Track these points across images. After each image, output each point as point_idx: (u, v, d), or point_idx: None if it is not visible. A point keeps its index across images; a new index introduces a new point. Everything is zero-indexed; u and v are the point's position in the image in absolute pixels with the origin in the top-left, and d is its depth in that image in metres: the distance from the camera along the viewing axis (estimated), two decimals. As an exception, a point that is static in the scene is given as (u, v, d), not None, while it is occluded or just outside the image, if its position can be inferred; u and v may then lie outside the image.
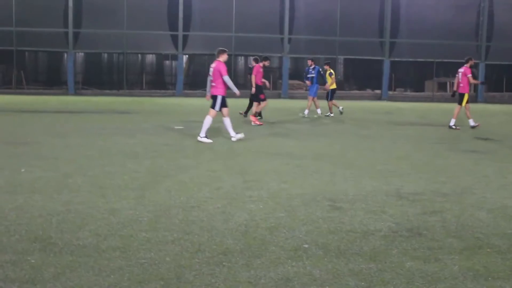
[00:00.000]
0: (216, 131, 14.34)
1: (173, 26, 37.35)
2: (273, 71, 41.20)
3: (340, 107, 21.72)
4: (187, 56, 39.26)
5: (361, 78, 45.14)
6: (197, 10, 37.54)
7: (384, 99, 38.03)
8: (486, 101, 38.79)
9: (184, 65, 39.56)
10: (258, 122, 16.56)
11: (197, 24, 37.39)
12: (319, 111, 21.22)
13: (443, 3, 39.31)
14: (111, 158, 9.78)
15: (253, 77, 18.05)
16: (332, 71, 21.89)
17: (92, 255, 4.61)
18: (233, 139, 12.48)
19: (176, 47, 37.44)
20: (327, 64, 22.03)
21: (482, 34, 40.15)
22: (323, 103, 22.48)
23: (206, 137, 12.25)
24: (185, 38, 37.50)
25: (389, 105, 23.69)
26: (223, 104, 12.40)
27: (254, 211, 6.11)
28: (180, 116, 19.17)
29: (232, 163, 9.46)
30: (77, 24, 36.60)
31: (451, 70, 34.73)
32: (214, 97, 12.48)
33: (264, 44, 37.18)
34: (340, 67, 46.96)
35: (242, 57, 43.59)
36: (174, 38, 37.52)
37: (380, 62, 39.44)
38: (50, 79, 43.24)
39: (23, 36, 36.18)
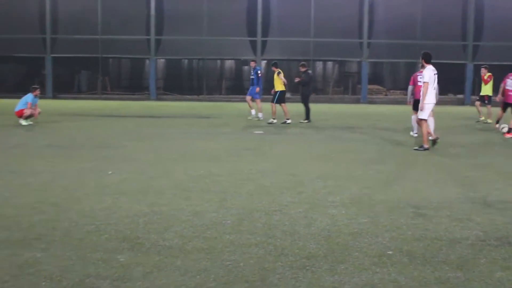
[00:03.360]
0: (296, 135, 14.36)
1: (251, 32, 37.69)
2: (352, 76, 40.80)
3: (288, 120, 18.28)
4: (265, 61, 39.45)
5: (442, 82, 43.85)
6: (276, 16, 37.68)
7: (467, 104, 36.91)
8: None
9: (262, 70, 39.86)
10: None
11: (275, 30, 37.55)
12: (260, 115, 19.99)
13: (530, 4, 37.79)
14: (193, 161, 9.97)
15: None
16: (279, 70, 18.99)
17: (178, 255, 4.72)
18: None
19: (255, 52, 37.74)
20: (274, 65, 19.45)
21: None
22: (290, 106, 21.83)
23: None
24: (263, 43, 37.75)
25: (473, 110, 22.98)
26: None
27: (336, 216, 6.08)
28: (259, 121, 19.29)
29: (313, 167, 9.43)
30: (159, 31, 37.53)
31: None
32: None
33: (342, 49, 36.89)
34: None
35: (321, 62, 43.43)
36: (253, 44, 37.85)
37: (463, 66, 38.31)
38: (133, 84, 44.52)
39: (107, 44, 37.45)
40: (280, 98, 18.84)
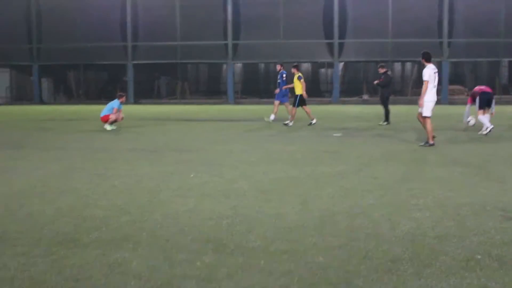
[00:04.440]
0: (375, 137, 14.16)
1: (328, 34, 37.50)
2: (432, 76, 39.83)
3: (313, 120, 18.73)
4: (342, 63, 39.17)
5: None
6: (352, 17, 37.37)
7: None
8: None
9: (340, 72, 39.56)
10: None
11: (352, 31, 37.22)
12: (272, 117, 20.09)
13: None
14: (272, 164, 10.02)
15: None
16: (300, 74, 19.03)
17: (261, 257, 4.75)
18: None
19: (332, 54, 37.53)
20: (295, 67, 19.35)
21: None
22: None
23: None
24: (340, 45, 37.49)
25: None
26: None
27: (420, 219, 5.95)
28: (337, 124, 19.17)
29: (394, 169, 9.27)
30: (236, 36, 38.00)
31: None
32: None
33: (421, 49, 36.11)
34: (505, 71, 44.32)
35: (399, 63, 42.69)
36: (330, 46, 37.66)
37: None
38: (211, 89, 45.30)
39: (185, 50, 38.23)
40: (301, 101, 18.83)
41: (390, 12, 36.62)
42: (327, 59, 38.48)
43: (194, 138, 15.12)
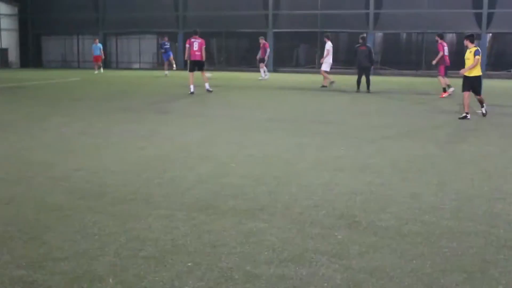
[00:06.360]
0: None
1: (477, 3, 35.53)
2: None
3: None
4: (490, 35, 36.94)
5: None
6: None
7: None
8: None
9: (487, 44, 37.43)
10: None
11: (505, 1, 34.92)
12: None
13: None
14: (411, 140, 9.80)
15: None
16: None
17: (394, 237, 4.72)
18: None
19: (480, 25, 35.57)
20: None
21: None
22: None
23: None
24: (490, 16, 35.40)
25: None
26: None
27: None
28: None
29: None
30: (378, 5, 37.09)
31: None
32: None
33: None
34: None
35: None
36: (478, 16, 35.69)
37: None
38: (349, 58, 44.69)
39: (326, 19, 37.95)
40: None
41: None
42: (474, 30, 36.49)
43: (331, 109, 15.11)
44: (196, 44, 19.11)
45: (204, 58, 19.31)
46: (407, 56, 40.70)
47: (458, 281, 3.86)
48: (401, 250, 4.43)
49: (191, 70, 19.13)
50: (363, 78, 20.50)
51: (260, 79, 27.25)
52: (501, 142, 9.75)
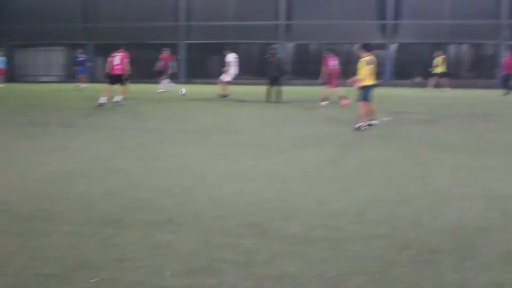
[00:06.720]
0: (426, 124, 13.91)
1: (381, 15, 36.92)
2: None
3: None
4: (396, 45, 38.36)
5: None
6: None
7: None
8: None
9: (391, 54, 38.86)
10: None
11: (407, 12, 36.42)
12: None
13: None
14: (319, 147, 10.01)
15: None
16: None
17: (301, 243, 4.80)
18: None
19: (385, 36, 36.95)
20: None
21: None
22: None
23: None
24: (394, 27, 36.83)
25: None
26: None
27: (464, 209, 5.88)
28: (389, 108, 18.92)
29: (442, 157, 9.13)
30: (289, 16, 37.94)
31: None
32: None
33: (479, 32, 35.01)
34: None
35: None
36: (382, 27, 37.09)
37: None
38: (259, 69, 45.27)
39: (238, 29, 38.39)
40: None
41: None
42: (381, 40, 37.81)
43: (240, 119, 15.22)
44: (118, 58, 19.15)
45: (125, 72, 19.31)
46: (318, 67, 41.58)
47: (361, 283, 3.98)
48: (307, 256, 4.51)
49: (111, 83, 18.98)
50: (274, 88, 20.79)
51: (158, 92, 26.45)
52: (404, 148, 10.12)
